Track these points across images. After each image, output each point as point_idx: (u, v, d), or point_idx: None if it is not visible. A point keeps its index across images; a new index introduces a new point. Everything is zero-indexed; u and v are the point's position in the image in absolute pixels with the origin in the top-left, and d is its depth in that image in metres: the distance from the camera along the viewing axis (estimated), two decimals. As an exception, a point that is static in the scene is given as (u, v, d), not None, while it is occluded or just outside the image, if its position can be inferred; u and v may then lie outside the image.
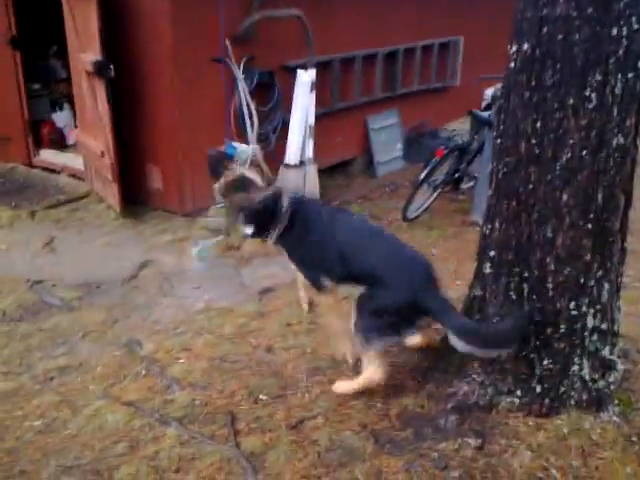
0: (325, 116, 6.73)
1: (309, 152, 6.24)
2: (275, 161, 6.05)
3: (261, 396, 3.11)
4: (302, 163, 6.20)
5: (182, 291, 4.52)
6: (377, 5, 7.26)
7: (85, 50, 5.57)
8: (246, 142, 5.66)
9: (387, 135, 7.91)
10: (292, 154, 6.06)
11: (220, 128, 5.72)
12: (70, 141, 7.48)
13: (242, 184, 3.23)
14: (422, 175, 5.77)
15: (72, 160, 6.84)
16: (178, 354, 3.57)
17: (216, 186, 3.35)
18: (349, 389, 3.01)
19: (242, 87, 5.71)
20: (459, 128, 8.79)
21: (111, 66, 5.26)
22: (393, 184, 7.41)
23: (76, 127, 6.93)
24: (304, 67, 6.12)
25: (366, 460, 2.61)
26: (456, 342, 2.71)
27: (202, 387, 3.21)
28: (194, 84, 5.51)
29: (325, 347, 3.50)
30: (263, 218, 3.17)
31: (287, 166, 6.09)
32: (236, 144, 3.11)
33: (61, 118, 7.64)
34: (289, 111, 6.13)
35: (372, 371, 2.93)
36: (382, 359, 2.95)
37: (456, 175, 6.32)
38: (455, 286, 4.45)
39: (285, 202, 3.14)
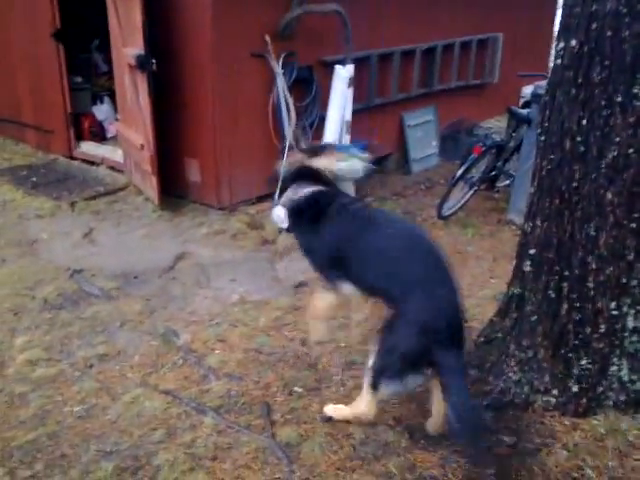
0: (361, 112, 6.72)
1: (346, 148, 6.24)
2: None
3: (296, 388, 3.13)
4: (338, 159, 6.20)
5: (218, 283, 4.57)
6: (416, 0, 7.23)
7: (128, 44, 5.66)
8: (282, 136, 5.70)
9: (423, 132, 7.86)
10: (328, 150, 6.06)
11: (259, 123, 5.77)
12: (110, 134, 7.60)
13: (304, 173, 3.03)
14: (459, 172, 5.73)
15: (111, 153, 6.95)
16: (214, 345, 3.62)
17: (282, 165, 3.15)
18: (339, 415, 2.84)
19: (281, 82, 5.74)
20: (496, 126, 8.72)
21: (153, 60, 5.33)
22: (428, 181, 7.37)
23: (116, 120, 7.05)
24: (342, 63, 6.12)
25: (400, 454, 2.62)
26: (450, 415, 2.44)
27: (238, 378, 3.25)
28: (234, 79, 5.55)
29: (360, 342, 3.52)
30: (305, 215, 2.96)
31: (322, 161, 6.10)
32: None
33: (101, 111, 7.76)
34: (327, 107, 6.14)
35: (366, 406, 2.70)
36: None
37: (493, 173, 6.26)
38: (490, 284, 4.44)
39: (333, 204, 2.88)
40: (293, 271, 4.78)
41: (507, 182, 6.38)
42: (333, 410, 2.86)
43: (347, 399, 3.00)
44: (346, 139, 6.21)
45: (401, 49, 7.13)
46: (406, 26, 7.16)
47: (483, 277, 4.83)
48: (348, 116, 6.20)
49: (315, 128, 6.20)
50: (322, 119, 6.18)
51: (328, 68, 6.21)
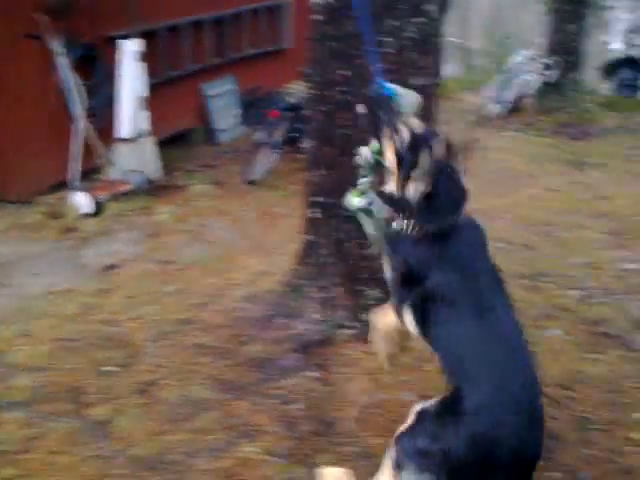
0: (158, 86, 6.58)
1: (144, 124, 6.09)
2: (110, 137, 5.87)
3: (107, 368, 3.08)
4: (139, 137, 6.05)
5: (20, 279, 4.31)
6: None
7: None
8: (71, 119, 5.44)
9: (225, 102, 7.89)
10: (124, 127, 5.89)
11: (44, 107, 5.45)
12: None
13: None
14: (259, 137, 5.87)
15: None
16: (18, 341, 3.43)
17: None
18: None
19: (63, 62, 5.44)
20: (298, 89, 8.96)
21: None
22: (236, 150, 7.45)
23: None
24: (129, 37, 5.94)
25: (215, 408, 2.70)
26: None
27: (44, 369, 3.11)
28: (10, 61, 5.18)
29: (172, 312, 3.55)
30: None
31: (121, 140, 5.92)
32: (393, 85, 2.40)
33: None
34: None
35: None
36: None
37: (295, 134, 6.46)
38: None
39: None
40: (100, 255, 4.66)
41: (309, 142, 6.63)
42: None
43: (160, 368, 3.02)
44: (143, 115, 6.06)
45: (190, 19, 7.06)
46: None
47: (292, 232, 5.01)
48: (143, 91, 6.04)
49: (109, 106, 5.99)
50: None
51: (116, 44, 5.99)
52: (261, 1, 8.21)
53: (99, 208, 5.33)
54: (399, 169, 2.05)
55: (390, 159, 2.09)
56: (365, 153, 2.23)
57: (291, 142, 6.54)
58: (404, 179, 2.03)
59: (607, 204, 5.56)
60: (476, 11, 28.47)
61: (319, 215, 3.08)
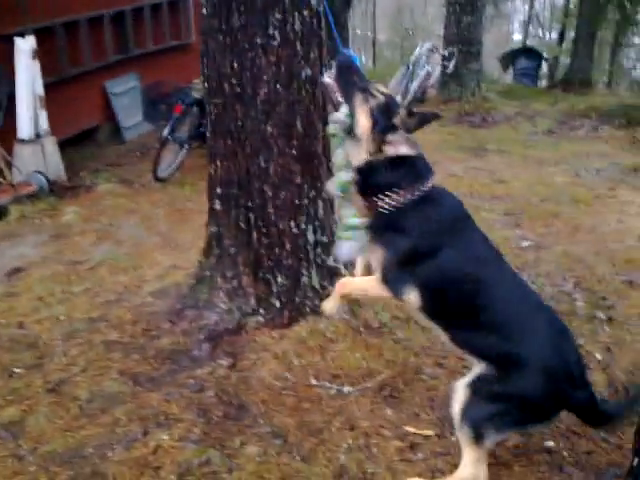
0: (57, 85, 6.44)
1: (44, 124, 5.95)
2: (8, 139, 5.70)
3: (16, 370, 3.03)
4: (38, 137, 5.90)
5: None
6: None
7: None
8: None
9: (130, 99, 7.79)
10: (23, 128, 5.75)
11: None
12: None
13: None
14: (164, 133, 5.84)
15: None
16: None
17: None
18: None
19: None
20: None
21: None
22: (143, 147, 7.39)
23: None
24: (22, 34, 5.77)
25: (127, 402, 2.72)
26: None
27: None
28: None
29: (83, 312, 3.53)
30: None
31: (21, 141, 5.76)
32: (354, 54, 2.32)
33: None
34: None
35: (475, 473, 2.12)
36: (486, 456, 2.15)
37: (201, 129, 6.45)
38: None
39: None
40: (6, 259, 4.53)
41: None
42: None
43: (71, 366, 3.01)
44: (43, 115, 5.91)
45: (87, 16, 6.92)
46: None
47: (202, 227, 5.03)
48: (40, 90, 5.89)
49: (7, 107, 5.81)
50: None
51: (11, 42, 5.80)
52: (163, -4, 8.14)
53: (2, 212, 5.18)
54: (372, 132, 2.09)
55: (363, 123, 2.10)
56: (339, 118, 2.17)
57: (199, 137, 6.53)
58: (379, 141, 2.09)
59: (505, 187, 5.87)
60: (381, 3, 29.05)
61: (220, 207, 3.14)
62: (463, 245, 2.14)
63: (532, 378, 2.02)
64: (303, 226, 3.08)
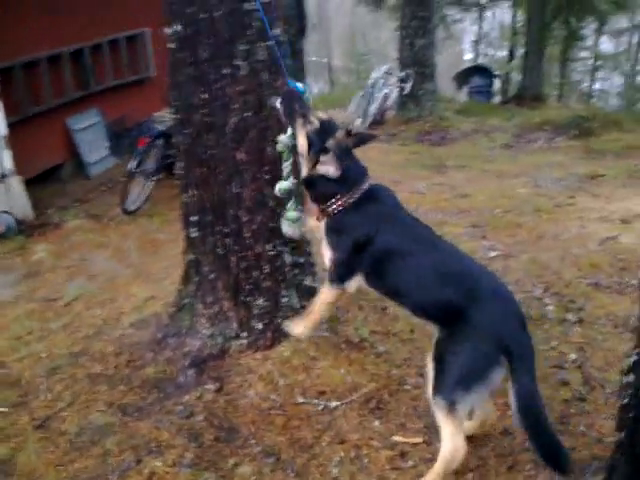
0: (20, 124, 6.43)
1: (8, 164, 5.93)
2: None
3: (1, 409, 3.03)
4: (3, 177, 5.87)
5: None
6: (55, 6, 7.04)
7: None
8: None
9: (93, 134, 7.80)
10: (-12, 169, 5.72)
11: None
12: None
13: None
14: (130, 166, 5.87)
15: None
16: None
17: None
18: None
19: None
20: (167, 116, 8.96)
21: None
22: (110, 182, 7.39)
23: None
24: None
25: (117, 432, 2.74)
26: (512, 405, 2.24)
27: None
28: None
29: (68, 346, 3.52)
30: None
31: (-15, 182, 5.74)
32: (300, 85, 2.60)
33: None
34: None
35: (453, 443, 2.28)
36: (462, 425, 2.34)
37: (168, 161, 6.50)
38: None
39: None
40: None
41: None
42: None
43: (57, 402, 3.01)
44: (7, 155, 5.89)
45: (47, 54, 6.94)
46: (48, 32, 6.96)
47: (177, 258, 5.04)
48: (3, 130, 5.88)
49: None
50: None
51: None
52: (119, 32, 8.18)
53: (-31, 254, 5.14)
54: (309, 152, 2.49)
55: (301, 144, 2.51)
56: (284, 139, 2.63)
57: (166, 169, 6.58)
58: (314, 159, 2.48)
59: (468, 201, 6.02)
60: (335, 31, 29.61)
61: (196, 234, 3.19)
62: (396, 229, 2.50)
63: (479, 328, 2.28)
64: (279, 248, 3.15)
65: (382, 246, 2.46)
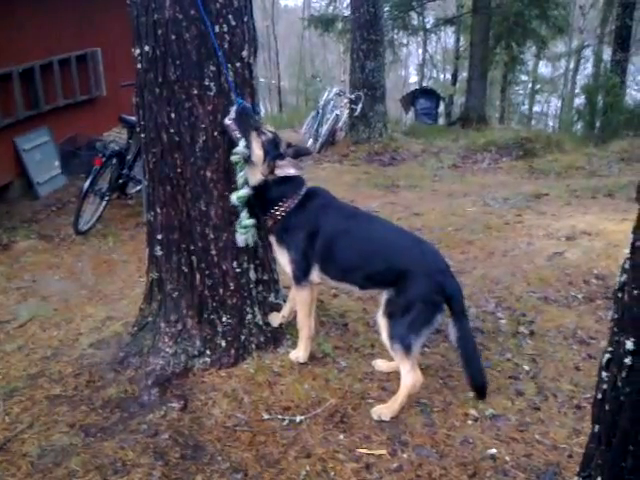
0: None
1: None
2: None
3: (-44, 436, 2.94)
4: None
5: None
6: (4, 24, 6.94)
7: None
8: None
9: (42, 154, 7.66)
10: None
11: None
12: None
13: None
14: (84, 186, 5.81)
15: None
16: None
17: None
18: (395, 408, 2.89)
19: None
20: (119, 136, 8.90)
21: None
22: (59, 202, 7.27)
23: None
24: None
25: (80, 453, 2.70)
26: (452, 335, 2.89)
27: None
28: None
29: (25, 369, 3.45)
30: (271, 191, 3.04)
31: None
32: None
33: None
34: None
35: (412, 376, 2.87)
36: (416, 363, 2.92)
37: (120, 181, 6.47)
38: (141, 282, 4.67)
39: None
40: None
41: (138, 187, 6.63)
42: (387, 411, 2.89)
43: (16, 424, 2.94)
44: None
45: (-5, 73, 6.82)
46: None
47: (132, 278, 5.04)
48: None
49: None
50: None
51: None
52: (70, 51, 8.10)
53: None
54: (265, 159, 2.92)
55: (257, 153, 2.93)
56: (241, 150, 2.92)
57: (119, 188, 6.53)
58: (272, 166, 2.93)
59: (421, 220, 6.18)
60: (283, 52, 29.87)
61: (161, 252, 3.20)
62: (334, 216, 3.01)
63: (420, 281, 2.82)
64: (245, 265, 3.19)
65: (327, 232, 2.95)
